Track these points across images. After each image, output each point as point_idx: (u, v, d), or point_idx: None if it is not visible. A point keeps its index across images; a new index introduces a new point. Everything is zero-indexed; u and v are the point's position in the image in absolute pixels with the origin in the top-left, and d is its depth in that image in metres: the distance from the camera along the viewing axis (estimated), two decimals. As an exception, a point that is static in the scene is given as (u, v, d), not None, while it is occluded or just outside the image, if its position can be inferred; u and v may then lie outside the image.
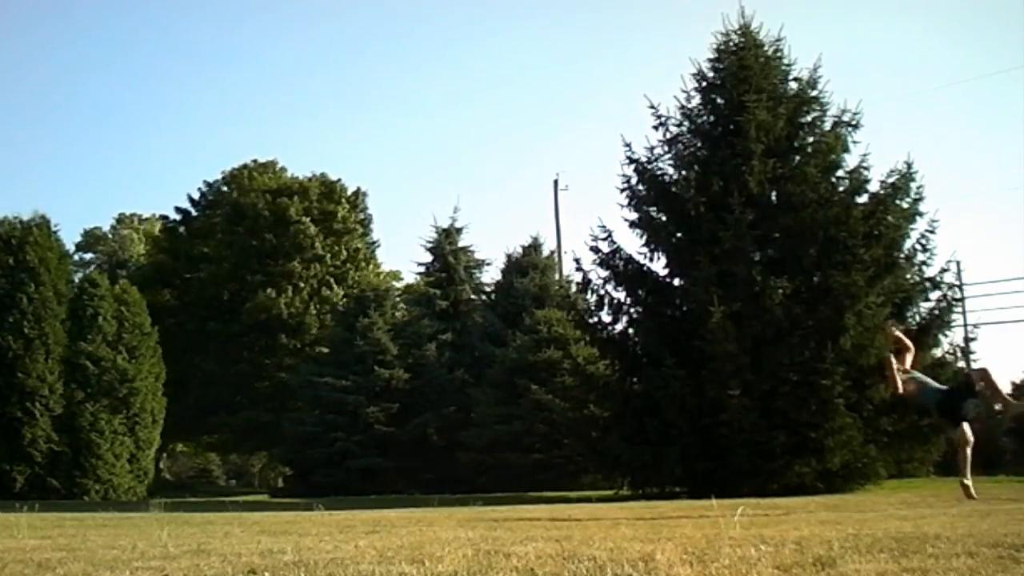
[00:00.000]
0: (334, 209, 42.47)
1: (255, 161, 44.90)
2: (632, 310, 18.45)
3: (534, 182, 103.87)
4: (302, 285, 40.88)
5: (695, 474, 16.04)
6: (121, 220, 53.69)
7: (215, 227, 43.03)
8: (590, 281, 18.40)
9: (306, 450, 28.26)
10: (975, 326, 21.52)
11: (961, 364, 16.99)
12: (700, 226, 16.92)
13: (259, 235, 41.18)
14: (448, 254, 31.80)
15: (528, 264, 29.69)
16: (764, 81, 17.52)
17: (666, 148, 18.26)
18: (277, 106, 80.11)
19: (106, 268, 45.37)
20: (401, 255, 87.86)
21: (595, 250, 18.09)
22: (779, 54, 18.06)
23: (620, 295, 18.34)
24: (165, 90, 77.90)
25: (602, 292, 18.29)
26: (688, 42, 63.10)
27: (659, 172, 18.31)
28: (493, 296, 30.92)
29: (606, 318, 18.63)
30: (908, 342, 9.53)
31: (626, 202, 18.05)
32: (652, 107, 18.07)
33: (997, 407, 8.48)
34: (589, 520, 7.51)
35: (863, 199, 17.29)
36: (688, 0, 73.60)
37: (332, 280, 41.29)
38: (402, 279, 44.56)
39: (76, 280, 31.07)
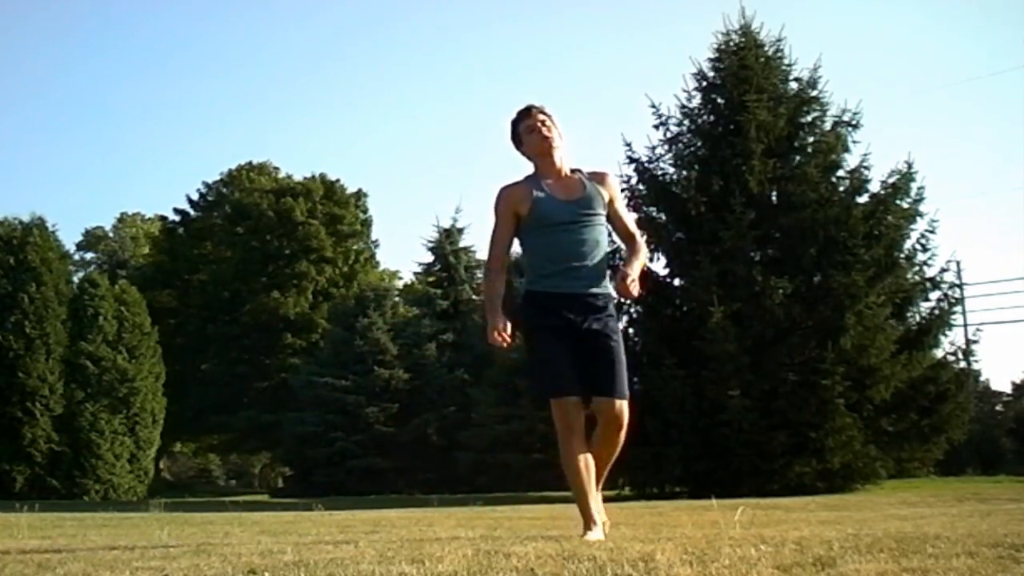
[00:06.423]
0: (340, 212, 42.46)
1: (250, 162, 44.89)
2: (632, 310, 18.44)
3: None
4: (307, 285, 40.86)
5: (695, 474, 16.04)
6: (122, 220, 53.68)
7: (215, 228, 43.02)
8: (590, 281, 18.38)
9: (306, 450, 28.27)
10: (978, 328, 21.49)
11: (963, 365, 16.99)
12: (700, 226, 16.92)
13: (262, 236, 41.17)
14: (449, 254, 31.81)
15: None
16: (764, 81, 17.53)
17: (666, 148, 18.27)
18: (276, 106, 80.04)
19: (106, 268, 45.37)
20: (401, 255, 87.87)
21: (595, 250, 18.07)
22: (779, 54, 18.07)
23: (620, 295, 18.32)
24: (165, 90, 77.80)
25: (602, 292, 18.27)
26: (688, 42, 63.00)
27: (659, 172, 18.32)
28: (493, 296, 30.88)
29: (606, 318, 18.62)
30: None
31: (626, 202, 18.04)
32: (653, 106, 18.10)
33: None
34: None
35: (863, 199, 17.30)
36: (688, 0, 73.59)
37: (342, 281, 41.33)
38: (402, 279, 44.59)
39: (76, 280, 31.13)
